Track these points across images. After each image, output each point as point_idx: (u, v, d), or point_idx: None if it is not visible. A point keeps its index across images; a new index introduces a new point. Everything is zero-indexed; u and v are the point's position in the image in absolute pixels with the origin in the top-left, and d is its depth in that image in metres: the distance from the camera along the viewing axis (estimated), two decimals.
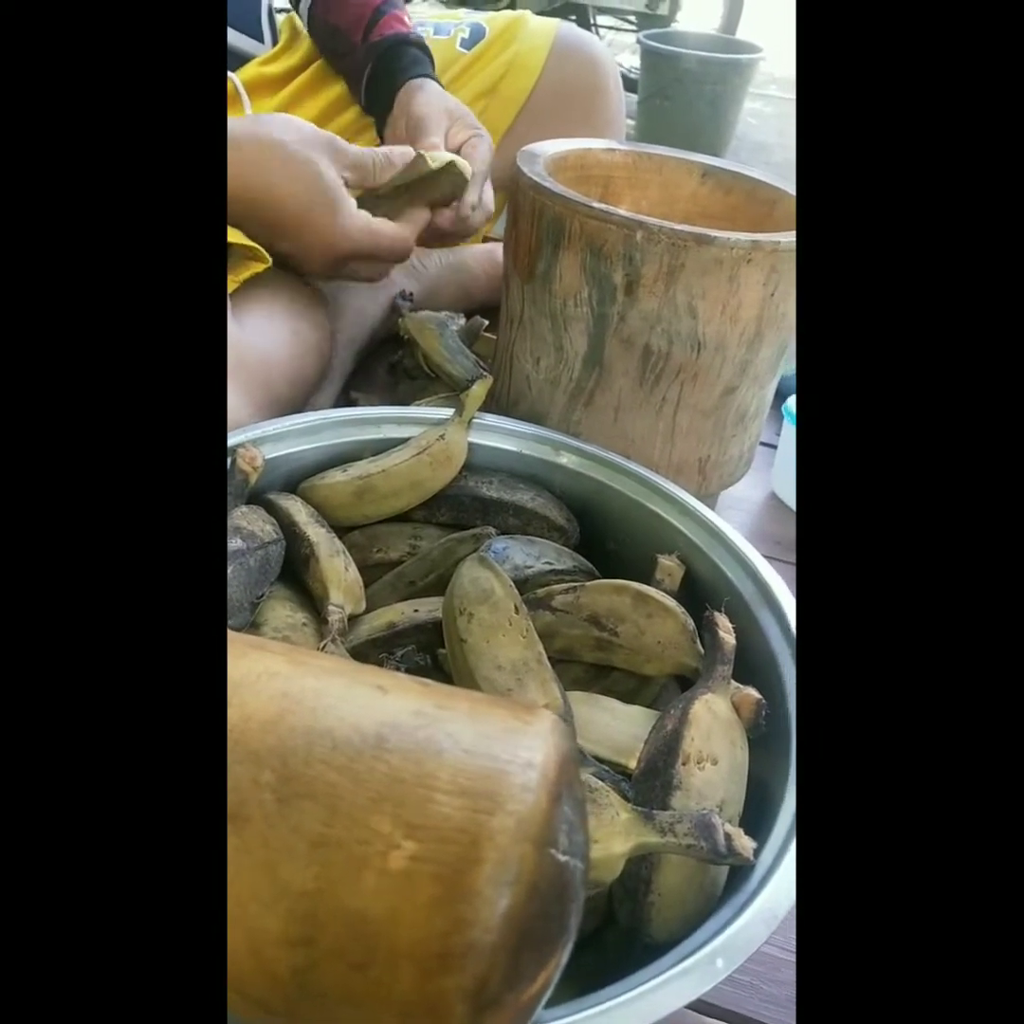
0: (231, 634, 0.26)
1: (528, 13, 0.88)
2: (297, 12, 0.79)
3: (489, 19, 0.86)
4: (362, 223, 0.55)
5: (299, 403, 0.62)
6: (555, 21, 0.87)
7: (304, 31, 0.79)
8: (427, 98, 0.66)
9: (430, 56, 0.72)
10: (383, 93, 0.70)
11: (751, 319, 0.52)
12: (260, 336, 0.58)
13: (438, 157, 0.59)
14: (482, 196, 0.63)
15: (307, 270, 0.58)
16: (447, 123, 0.64)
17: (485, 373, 0.55)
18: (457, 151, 0.63)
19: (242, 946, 0.19)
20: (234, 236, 0.55)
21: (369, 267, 0.60)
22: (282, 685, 0.22)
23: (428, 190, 0.61)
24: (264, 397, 0.57)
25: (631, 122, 1.99)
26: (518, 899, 0.18)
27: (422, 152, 0.58)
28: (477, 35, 0.84)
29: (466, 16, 0.87)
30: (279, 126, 0.54)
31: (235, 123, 0.53)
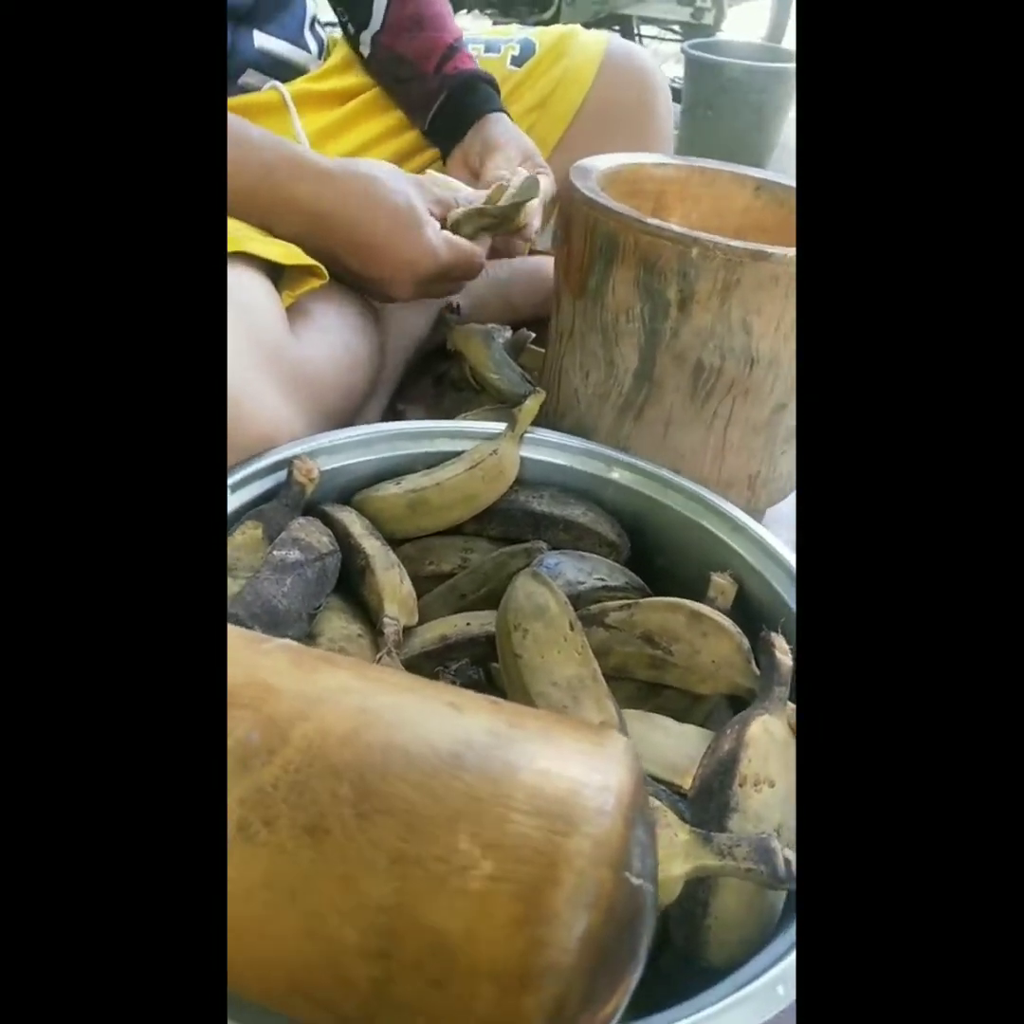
0: (301, 647, 0.26)
1: (578, 28, 0.88)
2: (350, 38, 0.80)
3: (539, 34, 0.87)
4: (444, 240, 0.60)
5: (350, 415, 0.63)
6: (605, 35, 0.88)
7: (363, 54, 0.81)
8: (505, 130, 0.73)
9: (499, 94, 0.77)
10: (457, 121, 0.75)
11: None
12: (314, 349, 0.59)
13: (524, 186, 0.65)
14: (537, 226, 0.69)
15: (396, 293, 0.62)
16: (520, 157, 0.70)
17: (537, 388, 0.56)
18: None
19: (319, 955, 0.20)
20: (294, 257, 0.56)
21: (445, 287, 0.64)
22: (358, 701, 0.22)
23: (501, 224, 0.65)
24: (317, 409, 0.58)
25: (675, 131, 1.98)
26: (595, 921, 0.18)
27: (538, 175, 0.66)
28: (527, 51, 0.85)
29: (516, 32, 0.88)
30: (373, 164, 0.61)
31: (332, 161, 0.59)
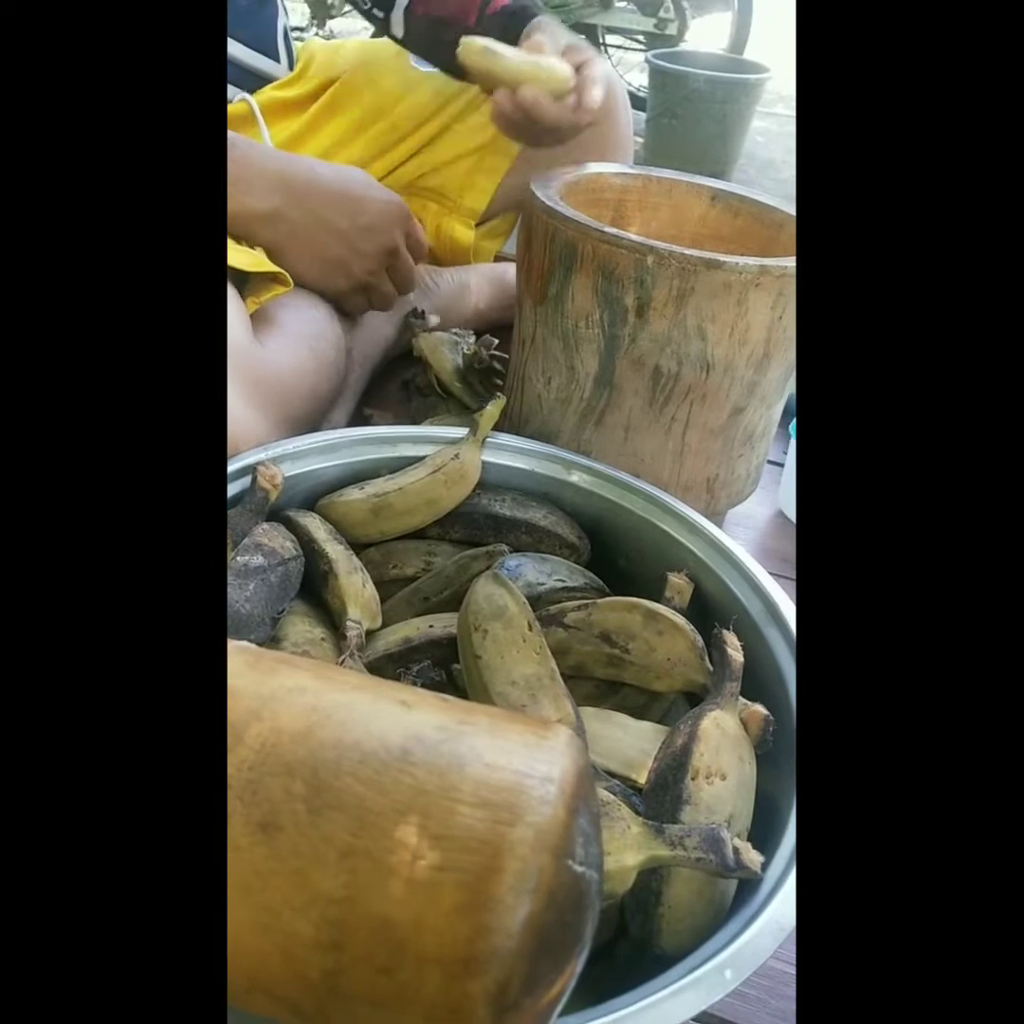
0: (259, 650, 0.27)
1: None
2: (381, 24, 0.80)
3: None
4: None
5: (315, 419, 0.64)
6: None
7: (317, 59, 0.81)
8: (552, 26, 0.71)
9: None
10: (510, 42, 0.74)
11: (759, 341, 0.53)
12: (279, 354, 0.60)
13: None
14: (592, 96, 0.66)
15: (387, 209, 0.66)
16: (561, 44, 0.68)
17: (497, 393, 0.57)
18: (577, 69, 0.67)
19: (274, 949, 0.20)
20: (260, 265, 0.56)
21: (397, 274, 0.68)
22: (311, 700, 0.23)
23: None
24: (282, 414, 0.58)
25: (639, 140, 2.01)
26: (537, 907, 0.19)
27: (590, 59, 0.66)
28: None
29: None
30: None
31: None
